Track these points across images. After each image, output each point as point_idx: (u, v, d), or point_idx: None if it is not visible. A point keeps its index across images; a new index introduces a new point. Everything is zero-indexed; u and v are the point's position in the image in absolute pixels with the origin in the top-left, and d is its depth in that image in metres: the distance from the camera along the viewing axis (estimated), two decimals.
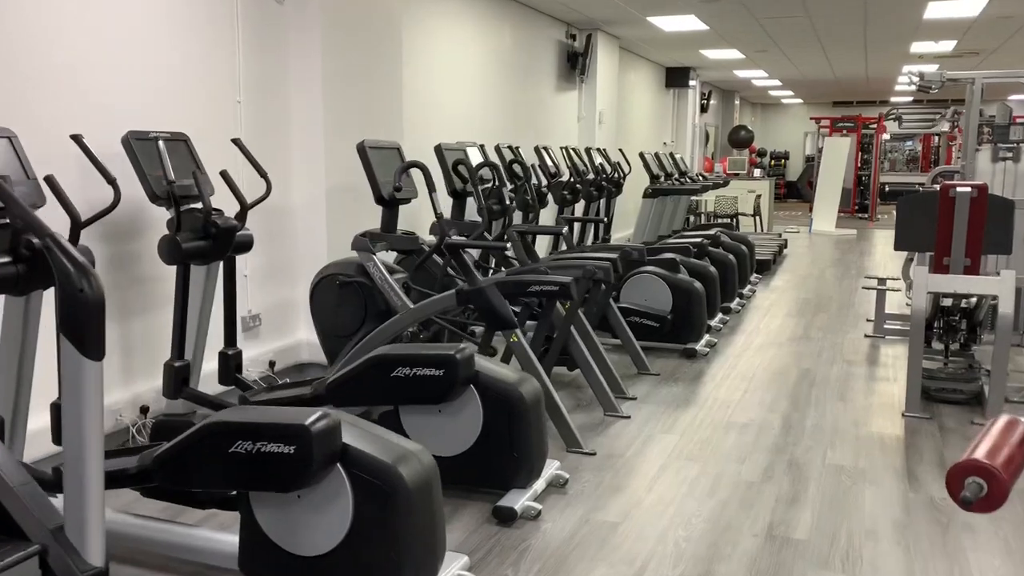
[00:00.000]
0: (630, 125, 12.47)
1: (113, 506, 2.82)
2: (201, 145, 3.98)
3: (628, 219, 11.56)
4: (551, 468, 3.43)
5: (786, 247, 11.41)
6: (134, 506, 3.01)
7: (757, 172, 15.31)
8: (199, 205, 3.53)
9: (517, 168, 5.98)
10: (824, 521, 3.14)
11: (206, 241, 3.53)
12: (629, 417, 4.33)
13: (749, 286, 8.22)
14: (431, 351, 3.12)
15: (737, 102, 19.83)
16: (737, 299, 7.48)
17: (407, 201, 4.32)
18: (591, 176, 8.28)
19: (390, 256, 4.97)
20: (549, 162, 7.46)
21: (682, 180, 10.72)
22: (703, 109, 16.54)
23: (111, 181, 3.21)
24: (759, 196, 13.70)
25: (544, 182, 7.25)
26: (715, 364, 5.48)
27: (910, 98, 21.59)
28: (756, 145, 22.96)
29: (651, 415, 4.39)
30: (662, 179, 10.33)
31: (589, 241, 8.66)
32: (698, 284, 5.82)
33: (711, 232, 7.93)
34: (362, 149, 4.16)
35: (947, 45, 11.15)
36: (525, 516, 3.13)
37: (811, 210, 17.15)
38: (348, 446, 2.37)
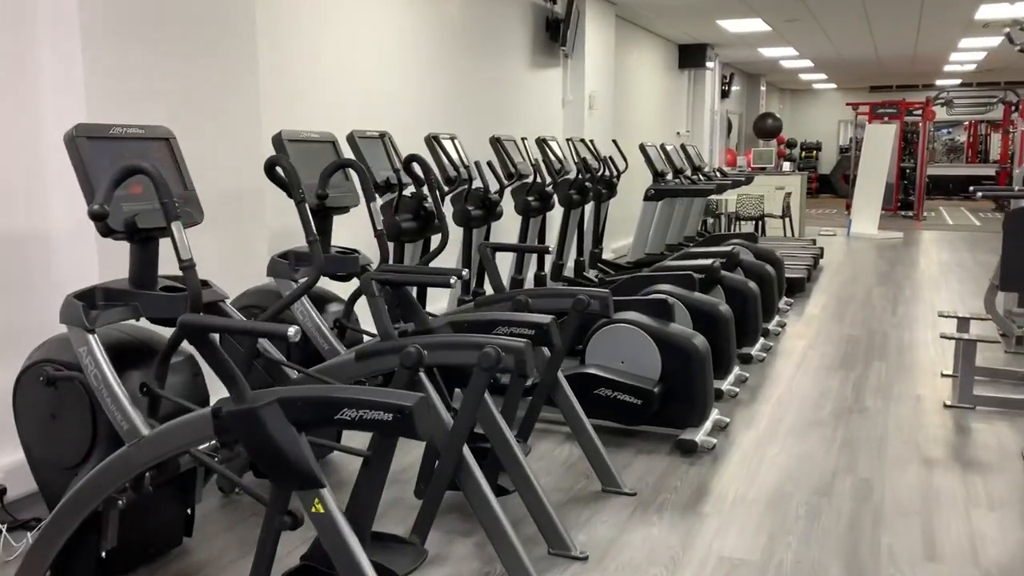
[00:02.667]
0: (634, 112, 10.56)
1: None
2: None
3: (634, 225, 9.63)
4: None
5: (822, 257, 9.45)
6: None
7: (787, 166, 13.31)
8: None
9: (447, 167, 4.10)
10: None
11: None
12: None
13: (777, 318, 6.30)
14: None
15: (763, 87, 17.81)
16: (761, 341, 5.57)
17: (158, 233, 2.45)
18: (571, 175, 6.41)
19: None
20: (512, 158, 5.60)
21: (693, 178, 8.81)
22: (724, 94, 14.57)
23: None
24: (789, 194, 11.73)
25: (498, 185, 5.38)
26: (724, 468, 3.58)
27: (958, 81, 19.45)
28: (785, 135, 20.93)
29: None
30: (668, 176, 8.45)
31: (570, 260, 6.79)
32: (701, 340, 3.93)
33: (727, 248, 6.02)
34: (70, 140, 2.31)
35: (1022, 8, 9.11)
36: None
37: (848, 208, 15.13)
38: None
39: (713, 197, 11.16)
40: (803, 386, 4.76)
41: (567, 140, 6.47)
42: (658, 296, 4.14)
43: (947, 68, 16.23)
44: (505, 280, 4.16)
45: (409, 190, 4.20)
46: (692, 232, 10.11)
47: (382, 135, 4.15)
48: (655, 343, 3.87)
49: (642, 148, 7.86)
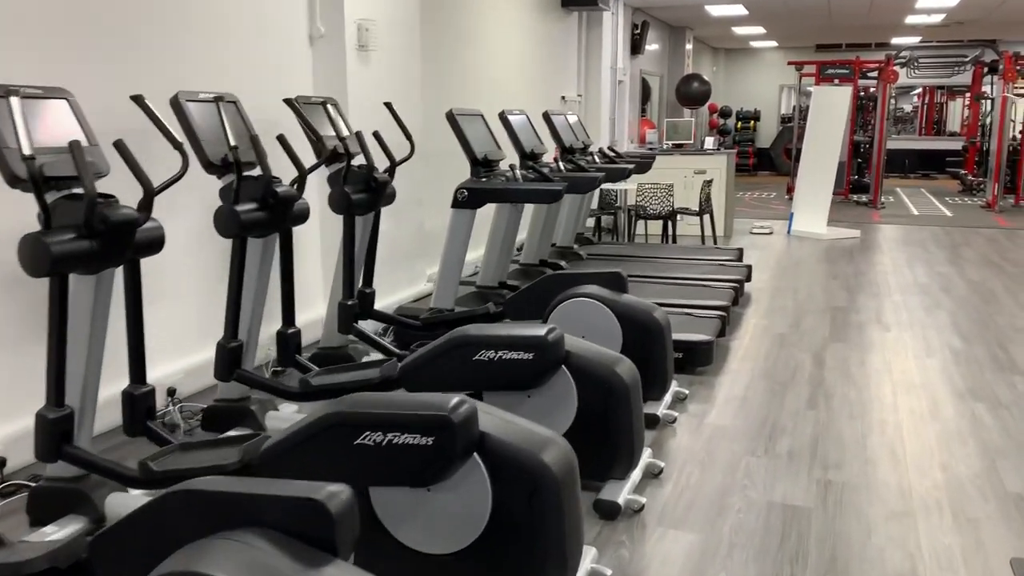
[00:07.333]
0: (484, 66, 7.35)
1: None
2: None
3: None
4: None
5: (748, 279, 6.43)
6: None
7: (709, 142, 10.24)
8: None
9: None
10: None
11: None
12: None
13: (646, 456, 3.22)
14: None
15: (689, 44, 14.71)
16: (591, 559, 2.46)
17: None
18: (249, 172, 3.23)
19: None
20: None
21: (546, 167, 5.66)
22: (635, 49, 11.43)
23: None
24: (709, 183, 8.66)
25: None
26: None
27: (916, 39, 16.61)
28: (719, 103, 17.94)
29: None
30: (505, 165, 5.35)
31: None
32: None
33: (538, 333, 2.90)
34: None
35: None
36: None
37: (790, 192, 12.21)
38: None
39: (613, 186, 8.07)
40: None
41: (227, 103, 3.26)
42: None
43: (909, 20, 13.32)
44: None
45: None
46: (568, 242, 7.02)
47: None
48: None
49: (450, 117, 4.73)
